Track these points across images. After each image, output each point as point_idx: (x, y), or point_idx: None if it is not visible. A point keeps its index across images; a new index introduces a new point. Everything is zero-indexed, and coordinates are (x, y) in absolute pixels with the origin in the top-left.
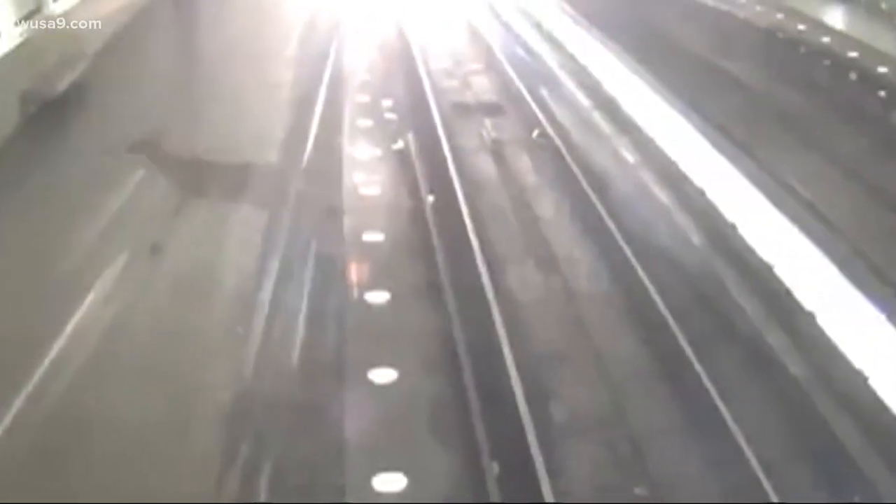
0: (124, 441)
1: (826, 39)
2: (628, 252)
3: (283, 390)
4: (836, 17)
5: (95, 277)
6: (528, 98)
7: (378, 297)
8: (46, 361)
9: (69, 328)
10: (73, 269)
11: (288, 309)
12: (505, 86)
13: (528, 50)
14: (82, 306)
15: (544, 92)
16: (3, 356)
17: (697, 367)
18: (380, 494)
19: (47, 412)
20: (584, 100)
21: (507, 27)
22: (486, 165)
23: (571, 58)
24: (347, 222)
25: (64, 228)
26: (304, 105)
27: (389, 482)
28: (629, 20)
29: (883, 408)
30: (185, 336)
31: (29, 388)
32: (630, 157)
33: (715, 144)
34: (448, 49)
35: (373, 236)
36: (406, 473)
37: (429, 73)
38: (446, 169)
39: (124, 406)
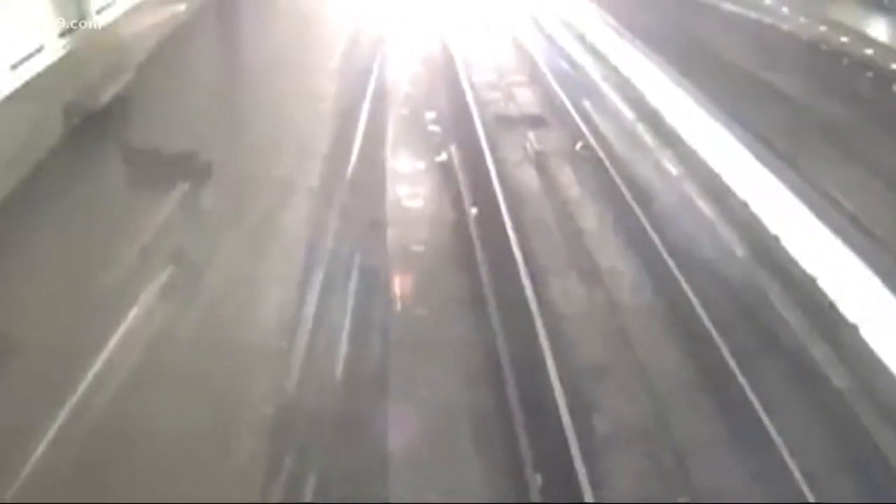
0: (167, 453)
1: (869, 52)
2: (672, 264)
3: (326, 402)
4: (879, 30)
5: (139, 290)
6: (572, 110)
7: (421, 309)
8: (90, 374)
9: (113, 341)
10: (117, 282)
11: (331, 321)
12: (548, 98)
13: (572, 62)
14: (126, 319)
15: (588, 104)
16: (47, 369)
17: (741, 379)
18: None
19: (91, 425)
20: (627, 112)
21: (550, 40)
22: (529, 177)
23: (615, 70)
24: (391, 234)
25: (108, 240)
26: (347, 117)
27: (432, 494)
28: (673, 33)
29: None
30: (228, 349)
31: (73, 400)
32: (673, 169)
33: (758, 156)
34: (491, 61)
35: (416, 248)
36: (449, 485)
37: (472, 86)
38: (489, 181)
39: (167, 418)
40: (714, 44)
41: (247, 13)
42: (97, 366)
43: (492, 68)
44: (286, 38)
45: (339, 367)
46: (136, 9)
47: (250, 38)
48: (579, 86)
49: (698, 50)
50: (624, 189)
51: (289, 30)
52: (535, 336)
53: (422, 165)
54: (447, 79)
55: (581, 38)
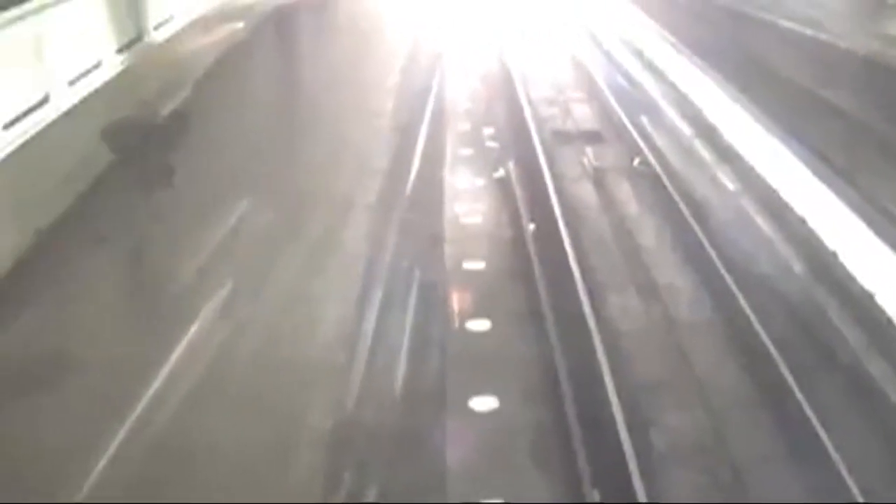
0: (226, 469)
1: None
2: (729, 280)
3: (384, 418)
4: None
5: (200, 306)
6: (629, 126)
7: (479, 325)
8: (150, 391)
9: (172, 357)
10: (177, 298)
11: (389, 337)
12: (606, 114)
13: (629, 78)
14: (187, 335)
15: (645, 120)
16: (107, 385)
17: (798, 395)
18: None
19: (150, 441)
20: (684, 128)
21: (608, 56)
22: (586, 193)
23: (672, 86)
24: (448, 250)
25: (166, 256)
26: (405, 133)
27: None
28: (729, 49)
29: None
30: (287, 365)
31: (132, 417)
32: (731, 185)
33: (816, 172)
34: (549, 77)
35: (474, 265)
36: (506, 500)
37: (530, 102)
38: (547, 197)
39: (226, 434)
40: (771, 61)
41: (305, 29)
42: (157, 382)
43: (549, 84)
44: (344, 54)
45: (398, 383)
46: (194, 25)
47: (308, 55)
48: (637, 102)
49: (756, 67)
50: (682, 205)
51: (347, 46)
52: (592, 351)
53: (480, 181)
54: (505, 95)
55: (639, 55)
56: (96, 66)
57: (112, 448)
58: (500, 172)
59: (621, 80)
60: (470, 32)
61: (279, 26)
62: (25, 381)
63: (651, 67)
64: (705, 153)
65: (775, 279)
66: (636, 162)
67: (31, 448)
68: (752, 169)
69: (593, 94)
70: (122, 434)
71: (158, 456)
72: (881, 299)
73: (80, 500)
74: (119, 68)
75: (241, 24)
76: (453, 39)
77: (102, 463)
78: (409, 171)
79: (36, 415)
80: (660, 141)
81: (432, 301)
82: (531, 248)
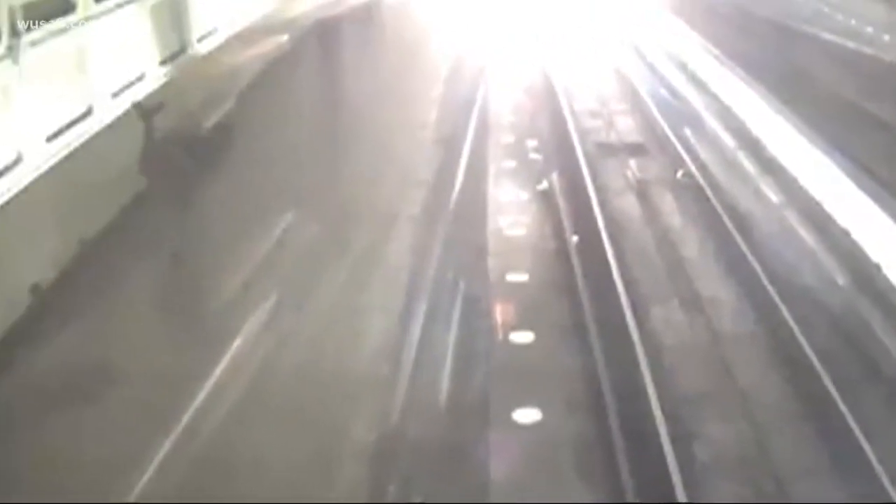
0: (270, 482)
1: None
2: (773, 292)
3: (428, 431)
4: None
5: (244, 319)
6: (673, 138)
7: (523, 337)
8: (194, 403)
9: (218, 369)
10: (221, 310)
11: (433, 350)
12: (649, 126)
13: (673, 90)
14: (231, 349)
15: (689, 132)
16: (151, 398)
17: (842, 407)
18: None
19: (195, 453)
20: (728, 140)
21: (651, 68)
22: (630, 206)
23: (716, 98)
24: (492, 263)
25: (211, 269)
26: (449, 146)
27: None
28: (773, 62)
29: None
30: (331, 377)
31: (177, 429)
32: (774, 197)
33: (859, 185)
34: (592, 90)
35: (518, 277)
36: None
37: (573, 114)
38: (590, 209)
39: (270, 447)
40: (816, 74)
41: (348, 42)
42: (201, 395)
43: (593, 96)
44: (388, 66)
45: (441, 395)
46: (237, 37)
47: (351, 67)
48: (680, 114)
49: (800, 79)
50: (725, 217)
51: (390, 59)
52: (636, 364)
53: (523, 194)
54: (548, 107)
55: (683, 67)
56: (139, 79)
57: (156, 461)
58: (544, 184)
59: (664, 93)
60: (513, 45)
61: (322, 39)
62: (70, 393)
63: (694, 80)
64: (749, 165)
65: (819, 291)
66: (679, 174)
67: (75, 459)
68: (795, 181)
69: (636, 106)
70: (166, 446)
71: (202, 468)
72: None
73: None
74: (162, 80)
75: (284, 37)
76: (497, 52)
77: (146, 475)
78: (452, 184)
79: (80, 427)
80: (703, 153)
81: (476, 313)
82: (574, 260)
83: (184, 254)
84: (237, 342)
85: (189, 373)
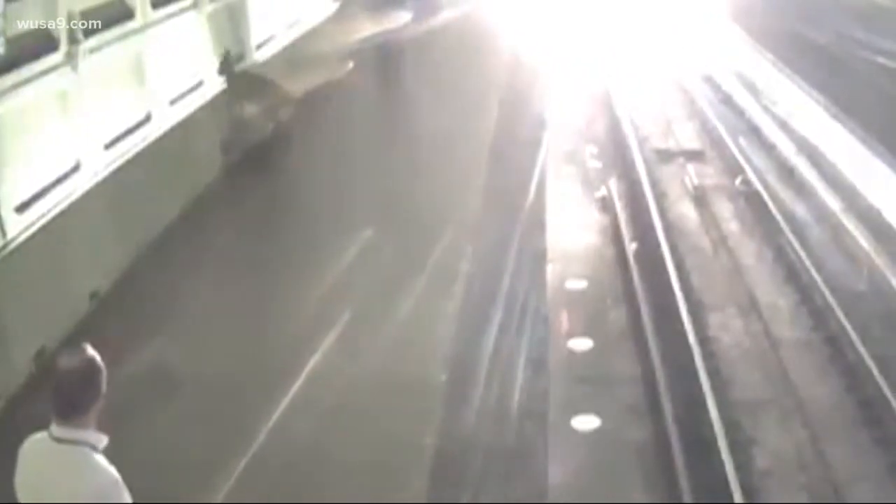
0: (340, 491)
1: None
2: (830, 299)
3: (488, 438)
4: None
5: (314, 329)
6: (731, 145)
7: (582, 343)
8: (273, 415)
9: (294, 383)
10: (297, 331)
11: (493, 357)
12: (707, 133)
13: (729, 98)
14: (308, 366)
15: (746, 139)
16: (230, 409)
17: None
18: None
19: (271, 462)
20: (786, 147)
21: (708, 77)
22: (688, 212)
23: (773, 104)
24: (551, 270)
25: (271, 275)
26: (509, 154)
27: None
28: (833, 70)
29: None
30: (397, 386)
31: (256, 441)
32: (833, 204)
33: None
34: (649, 97)
35: (577, 284)
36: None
37: (631, 120)
38: (649, 216)
39: (346, 454)
40: (875, 82)
41: (410, 51)
42: (273, 407)
43: (650, 104)
44: (450, 76)
45: (502, 403)
46: (294, 45)
47: (413, 76)
48: (738, 120)
49: (858, 87)
50: (783, 224)
51: (452, 70)
52: (694, 370)
53: (583, 200)
54: (607, 113)
55: (739, 75)
56: (198, 86)
57: (231, 478)
58: (603, 191)
59: (721, 100)
60: (573, 55)
61: (382, 47)
62: (141, 400)
63: (751, 88)
64: (807, 172)
65: (876, 298)
66: (738, 181)
67: (146, 466)
68: (853, 188)
69: (694, 113)
70: (247, 455)
71: (274, 481)
72: None
73: None
74: (220, 87)
75: (343, 46)
76: (556, 61)
77: (230, 482)
78: (511, 190)
79: (152, 433)
80: (761, 160)
81: (535, 320)
82: (633, 266)
83: (242, 260)
84: (315, 358)
85: (261, 383)
